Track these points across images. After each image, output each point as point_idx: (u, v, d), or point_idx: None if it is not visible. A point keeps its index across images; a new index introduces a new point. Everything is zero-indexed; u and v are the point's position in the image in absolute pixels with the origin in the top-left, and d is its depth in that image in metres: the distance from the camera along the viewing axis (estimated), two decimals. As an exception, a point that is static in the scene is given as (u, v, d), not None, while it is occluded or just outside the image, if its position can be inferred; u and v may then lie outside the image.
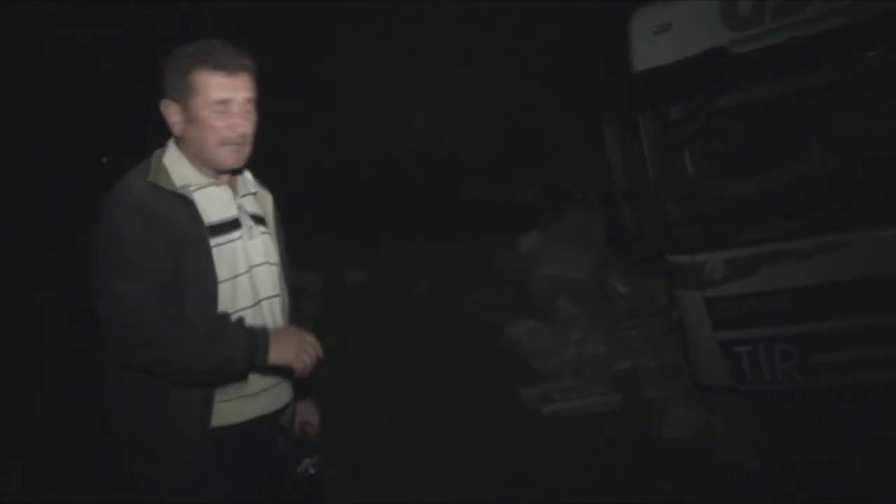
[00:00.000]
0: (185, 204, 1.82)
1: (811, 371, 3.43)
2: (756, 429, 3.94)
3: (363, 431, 4.60)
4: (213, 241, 1.84)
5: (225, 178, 1.94)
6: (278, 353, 1.80)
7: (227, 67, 1.83)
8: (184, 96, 1.83)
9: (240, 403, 1.90)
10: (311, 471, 2.00)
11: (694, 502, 3.58)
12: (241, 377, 1.84)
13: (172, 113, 1.86)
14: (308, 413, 2.22)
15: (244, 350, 1.77)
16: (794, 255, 3.44)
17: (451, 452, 4.25)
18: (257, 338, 1.79)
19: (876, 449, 3.35)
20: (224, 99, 1.83)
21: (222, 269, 1.85)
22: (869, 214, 3.33)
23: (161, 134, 1.95)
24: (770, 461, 3.70)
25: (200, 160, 1.89)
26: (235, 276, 1.89)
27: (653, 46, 3.61)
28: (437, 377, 5.45)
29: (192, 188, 1.85)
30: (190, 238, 1.80)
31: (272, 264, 2.01)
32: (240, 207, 1.95)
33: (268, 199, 2.09)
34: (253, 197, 2.03)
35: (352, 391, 5.22)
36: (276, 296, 2.01)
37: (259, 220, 2.01)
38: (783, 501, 3.46)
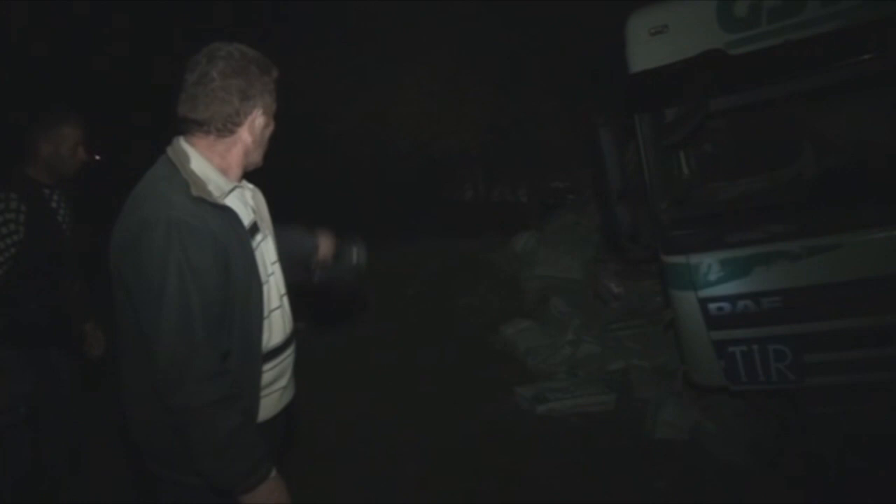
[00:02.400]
0: (229, 214, 1.81)
1: (805, 371, 3.45)
2: (750, 429, 3.97)
3: (358, 431, 4.60)
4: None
5: (240, 180, 1.95)
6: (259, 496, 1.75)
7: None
8: (270, 102, 1.88)
9: (278, 395, 1.97)
10: (358, 259, 2.32)
11: (687, 502, 3.59)
12: (215, 466, 1.74)
13: (259, 117, 1.86)
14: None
15: (248, 455, 1.74)
16: (787, 257, 3.47)
17: (446, 452, 4.25)
18: (259, 463, 1.76)
19: (869, 449, 3.38)
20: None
21: (260, 273, 1.87)
22: (862, 217, 3.36)
23: (155, 131, 1.95)
24: (764, 461, 3.72)
25: (242, 164, 1.89)
26: (268, 278, 1.91)
27: (649, 48, 3.62)
28: (430, 377, 5.45)
29: (224, 196, 1.83)
30: (235, 249, 1.78)
31: (279, 262, 2.04)
32: (252, 209, 1.97)
33: (260, 195, 2.09)
34: (252, 196, 2.04)
35: (346, 391, 5.22)
36: (287, 292, 2.04)
37: (262, 217, 2.03)
38: (777, 501, 3.48)
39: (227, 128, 1.80)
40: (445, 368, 5.60)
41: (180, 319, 1.65)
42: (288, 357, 2.01)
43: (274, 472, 1.79)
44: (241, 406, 1.76)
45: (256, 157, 1.92)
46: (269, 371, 1.93)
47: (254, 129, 1.84)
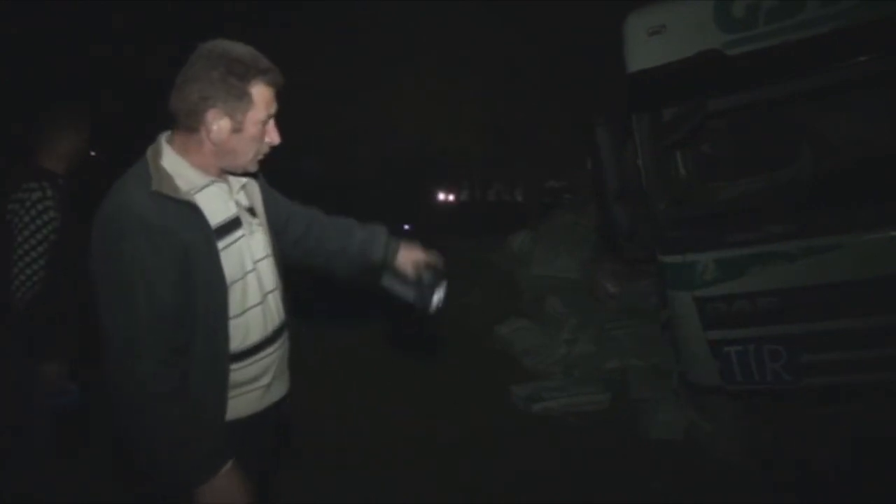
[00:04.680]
0: (192, 211, 1.76)
1: (800, 371, 3.46)
2: (745, 429, 3.97)
3: (355, 430, 4.59)
4: (220, 244, 1.81)
5: (223, 175, 1.89)
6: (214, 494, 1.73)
7: (278, 82, 1.80)
8: (237, 107, 1.75)
9: (260, 393, 1.94)
10: (436, 302, 2.03)
11: (682, 502, 3.59)
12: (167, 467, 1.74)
13: (219, 120, 1.74)
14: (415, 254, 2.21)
15: (194, 455, 1.72)
16: (783, 257, 3.47)
17: (442, 451, 4.25)
18: (208, 457, 1.74)
19: (864, 449, 3.39)
20: (272, 114, 1.82)
21: (231, 271, 1.82)
22: (858, 217, 3.36)
23: (148, 128, 1.90)
24: (759, 461, 3.72)
25: (219, 164, 1.83)
26: (245, 276, 1.88)
27: (647, 48, 3.63)
28: (428, 376, 5.45)
29: (194, 192, 1.79)
30: (197, 246, 1.74)
31: (271, 256, 2.00)
32: (237, 204, 1.92)
33: (254, 186, 2.03)
34: (243, 189, 1.99)
35: (345, 390, 5.23)
36: (277, 288, 2.01)
37: (253, 212, 1.99)
38: (772, 501, 3.49)
39: (187, 125, 1.76)
40: (443, 367, 5.60)
41: (127, 313, 1.66)
42: (271, 355, 1.96)
43: (229, 465, 1.77)
44: (191, 399, 1.75)
45: (238, 161, 1.83)
46: (245, 368, 1.90)
47: (211, 131, 1.75)
